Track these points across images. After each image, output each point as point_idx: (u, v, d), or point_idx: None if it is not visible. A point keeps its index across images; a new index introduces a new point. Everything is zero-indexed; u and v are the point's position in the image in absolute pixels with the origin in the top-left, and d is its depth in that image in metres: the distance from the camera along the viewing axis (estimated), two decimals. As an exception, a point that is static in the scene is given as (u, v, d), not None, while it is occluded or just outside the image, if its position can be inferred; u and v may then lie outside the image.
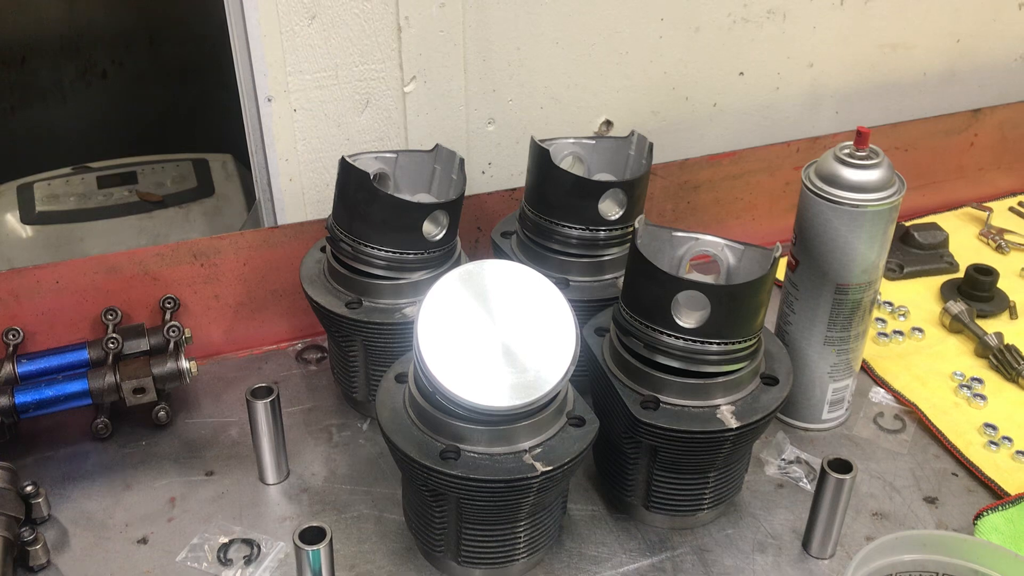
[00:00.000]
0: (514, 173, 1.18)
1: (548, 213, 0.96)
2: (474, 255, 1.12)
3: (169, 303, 1.03)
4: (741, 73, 1.25)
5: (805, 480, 0.94)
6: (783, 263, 0.92)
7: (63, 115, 2.45)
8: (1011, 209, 1.38)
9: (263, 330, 1.10)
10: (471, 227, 1.13)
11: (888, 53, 1.33)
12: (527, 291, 0.76)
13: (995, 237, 1.31)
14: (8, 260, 1.56)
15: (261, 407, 0.88)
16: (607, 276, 0.98)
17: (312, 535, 0.73)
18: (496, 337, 0.74)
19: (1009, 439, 0.98)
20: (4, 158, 2.27)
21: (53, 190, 1.65)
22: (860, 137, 0.89)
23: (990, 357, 1.09)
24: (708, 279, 0.84)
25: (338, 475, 0.94)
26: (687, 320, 0.79)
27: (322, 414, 1.02)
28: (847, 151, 0.90)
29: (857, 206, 0.88)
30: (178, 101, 2.48)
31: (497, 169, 1.18)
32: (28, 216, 1.61)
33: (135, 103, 2.48)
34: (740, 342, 0.80)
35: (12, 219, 1.61)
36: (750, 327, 0.81)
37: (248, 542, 0.86)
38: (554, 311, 0.76)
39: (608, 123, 1.21)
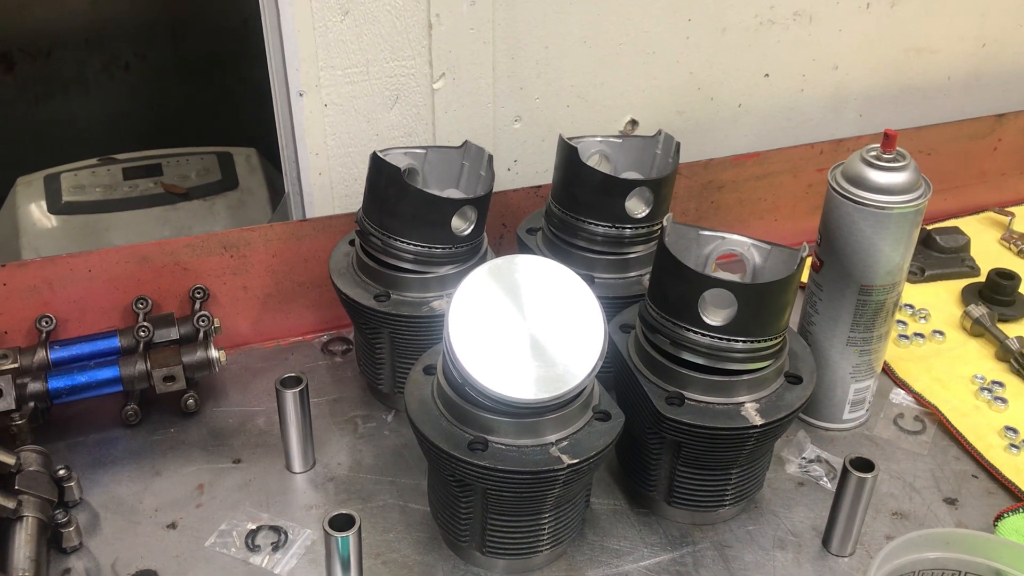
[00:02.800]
0: (539, 170, 1.19)
1: (575, 210, 0.97)
2: (499, 251, 1.13)
3: (199, 293, 1.05)
4: (766, 74, 1.26)
5: (825, 479, 0.95)
6: (807, 263, 0.93)
7: (86, 107, 2.48)
8: (1033, 214, 1.39)
9: (290, 321, 1.11)
10: (496, 223, 1.14)
11: (913, 57, 1.34)
12: (556, 286, 0.77)
13: (1017, 242, 1.31)
14: (35, 249, 1.58)
15: (290, 396, 0.90)
16: (632, 273, 0.99)
17: (341, 522, 0.74)
18: (525, 331, 0.75)
19: (1029, 442, 0.99)
20: (27, 148, 2.29)
21: (80, 181, 1.67)
22: (887, 140, 0.90)
23: (1011, 361, 1.09)
24: (734, 278, 0.85)
25: (363, 465, 0.95)
26: (713, 318, 0.80)
27: (347, 405, 1.03)
28: (874, 153, 0.90)
29: (883, 208, 0.89)
30: (199, 94, 2.50)
31: (523, 166, 1.19)
32: (55, 206, 1.63)
33: (157, 95, 2.50)
34: (765, 340, 0.81)
35: (39, 209, 1.63)
36: (776, 326, 0.81)
37: (275, 529, 0.88)
38: (583, 307, 0.77)
39: (633, 122, 1.22)
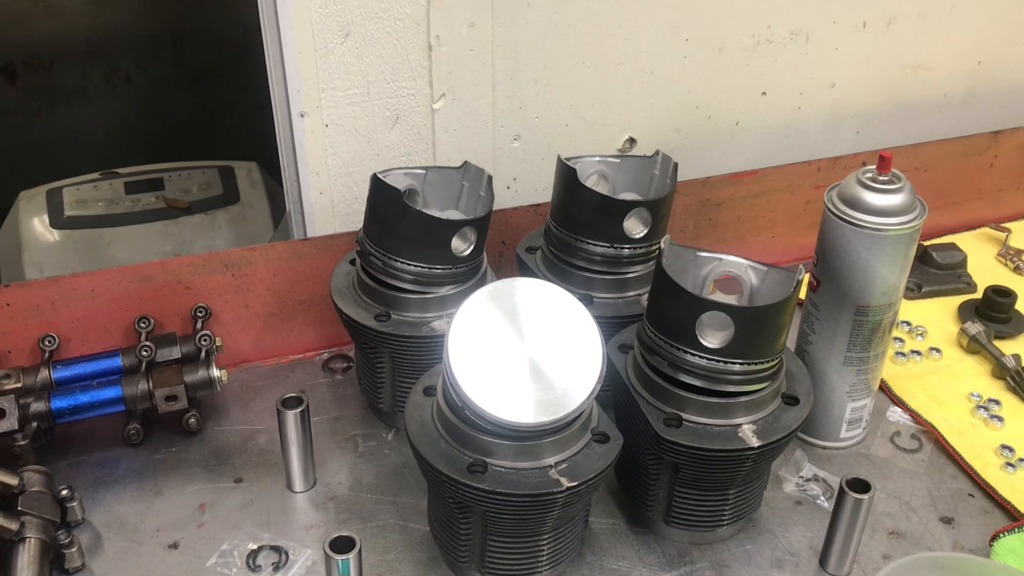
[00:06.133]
0: (538, 189, 1.20)
1: (573, 230, 0.98)
2: (498, 269, 1.14)
3: (200, 312, 1.06)
4: (763, 93, 1.27)
5: (823, 498, 0.96)
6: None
7: (87, 118, 2.49)
8: (1030, 230, 1.39)
9: (290, 339, 1.12)
10: (495, 241, 1.15)
11: (909, 74, 1.35)
12: (555, 309, 0.78)
13: (1013, 258, 1.32)
14: (37, 264, 1.59)
15: (291, 417, 0.90)
16: (630, 293, 1.00)
17: (341, 544, 0.75)
18: (525, 354, 0.76)
19: (1026, 461, 0.99)
20: (29, 160, 2.31)
21: (82, 195, 1.69)
22: (883, 162, 0.90)
23: (1007, 379, 1.10)
24: (731, 299, 0.86)
25: (363, 484, 0.96)
26: (711, 340, 0.81)
27: (348, 423, 1.04)
28: (870, 175, 0.91)
29: (879, 230, 0.90)
30: (200, 106, 2.52)
31: (522, 184, 1.20)
32: (57, 220, 1.64)
33: (158, 107, 2.52)
34: (762, 363, 0.82)
35: (41, 223, 1.64)
36: (772, 348, 0.82)
37: (276, 549, 0.88)
38: (581, 330, 0.78)
39: (632, 141, 1.23)
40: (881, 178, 0.91)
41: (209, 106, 2.52)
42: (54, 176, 1.75)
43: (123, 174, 1.75)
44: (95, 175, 1.74)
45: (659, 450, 0.84)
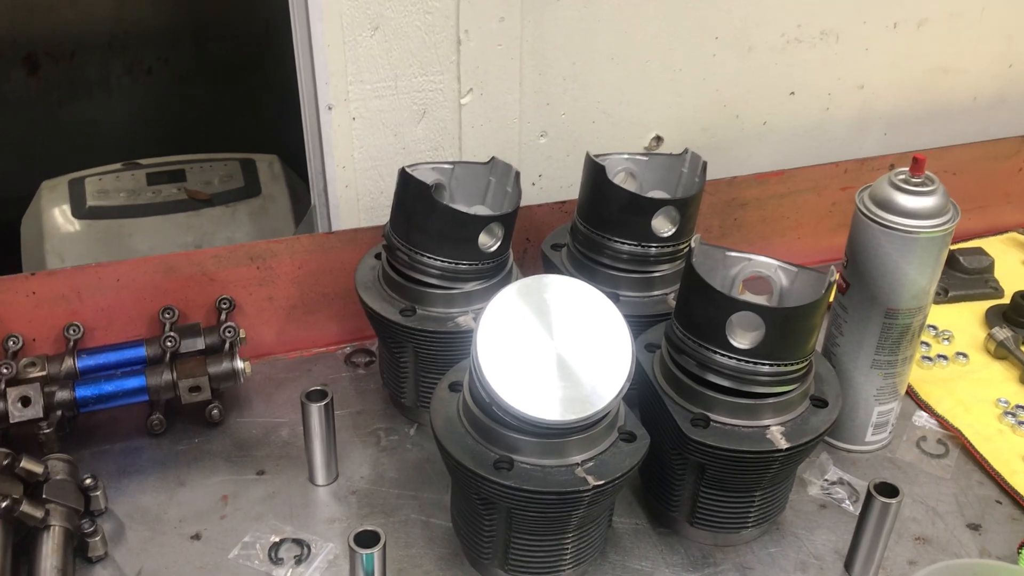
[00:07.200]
0: (564, 185, 1.20)
1: (600, 228, 0.97)
2: (522, 265, 1.13)
3: (225, 303, 1.06)
4: (792, 93, 1.26)
5: (848, 502, 0.95)
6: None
7: (108, 110, 2.49)
8: (1057, 236, 1.38)
9: (314, 332, 1.12)
10: (520, 237, 1.14)
11: (939, 77, 1.33)
12: (584, 307, 0.78)
13: (1041, 264, 1.31)
14: (59, 253, 1.59)
15: (315, 410, 0.90)
16: (657, 292, 0.99)
17: (366, 539, 0.74)
18: (553, 351, 0.76)
19: (1054, 468, 0.98)
20: (49, 150, 2.31)
21: (104, 185, 1.68)
22: (916, 164, 0.89)
23: (1035, 385, 1.09)
24: (761, 299, 0.85)
25: (386, 479, 0.96)
26: (740, 341, 0.80)
27: (370, 417, 1.03)
28: (902, 177, 0.90)
29: (910, 232, 0.89)
30: (221, 99, 2.52)
31: (547, 181, 1.19)
32: (79, 210, 1.64)
33: (178, 100, 2.52)
34: (792, 364, 0.81)
35: (63, 213, 1.64)
36: (802, 350, 0.81)
37: (298, 542, 0.88)
38: (610, 328, 0.77)
39: (658, 139, 1.22)
40: (914, 180, 0.90)
41: (230, 99, 2.52)
42: (75, 166, 1.75)
43: (145, 165, 1.75)
44: (117, 166, 1.74)
45: (685, 450, 0.83)
